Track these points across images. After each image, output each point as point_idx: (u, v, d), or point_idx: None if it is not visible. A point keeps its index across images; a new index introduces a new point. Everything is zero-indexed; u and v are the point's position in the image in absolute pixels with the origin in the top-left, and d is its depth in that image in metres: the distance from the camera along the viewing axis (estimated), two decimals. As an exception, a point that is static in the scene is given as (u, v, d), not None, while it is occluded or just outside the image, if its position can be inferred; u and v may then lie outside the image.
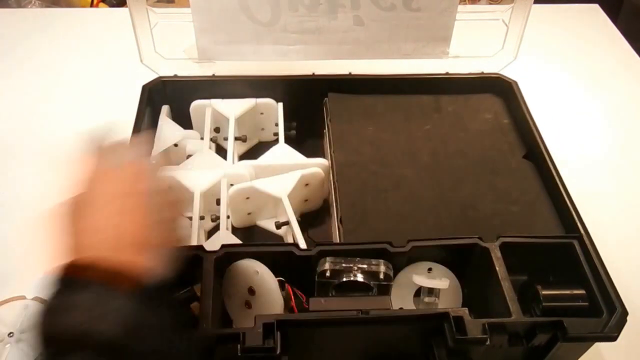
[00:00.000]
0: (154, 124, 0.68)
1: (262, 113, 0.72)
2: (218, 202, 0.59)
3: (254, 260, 0.50)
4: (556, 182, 0.59)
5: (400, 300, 0.54)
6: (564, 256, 0.53)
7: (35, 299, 0.57)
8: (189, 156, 0.65)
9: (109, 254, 0.36)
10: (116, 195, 0.40)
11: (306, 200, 0.65)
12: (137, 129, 0.62)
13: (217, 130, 0.71)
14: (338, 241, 0.56)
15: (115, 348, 0.33)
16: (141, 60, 0.69)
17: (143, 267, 0.37)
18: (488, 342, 0.46)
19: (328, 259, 0.51)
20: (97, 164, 0.43)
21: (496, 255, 0.51)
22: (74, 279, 0.35)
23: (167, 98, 0.71)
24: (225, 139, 0.68)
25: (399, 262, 0.52)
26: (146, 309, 0.35)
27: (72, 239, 0.39)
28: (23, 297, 0.58)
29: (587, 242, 0.53)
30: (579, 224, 0.55)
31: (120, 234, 0.38)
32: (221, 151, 0.67)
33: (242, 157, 0.70)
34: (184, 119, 0.71)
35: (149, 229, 0.39)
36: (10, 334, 0.54)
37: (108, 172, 0.42)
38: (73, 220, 0.40)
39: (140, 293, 0.35)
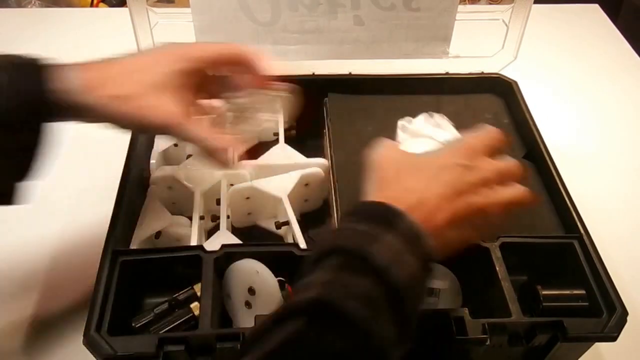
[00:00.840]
0: (154, 124, 0.68)
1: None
2: (218, 202, 0.59)
3: (254, 260, 0.50)
4: (556, 182, 0.59)
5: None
6: (564, 256, 0.53)
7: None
8: (189, 156, 0.65)
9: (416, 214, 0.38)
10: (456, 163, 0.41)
11: (306, 200, 0.65)
12: (137, 129, 0.62)
13: (217, 130, 0.71)
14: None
15: (397, 297, 0.35)
16: (141, 60, 0.69)
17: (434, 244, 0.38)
18: (488, 342, 0.46)
19: (328, 259, 0.51)
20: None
21: (496, 255, 0.51)
22: (381, 218, 0.38)
23: (167, 98, 0.71)
24: (225, 139, 0.68)
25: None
26: (424, 278, 0.38)
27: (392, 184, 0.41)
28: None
29: (587, 242, 0.53)
30: (579, 224, 0.55)
31: (421, 205, 0.39)
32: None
33: (242, 157, 0.70)
34: (184, 119, 0.71)
35: (458, 215, 0.40)
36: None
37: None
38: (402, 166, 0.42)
39: (424, 262, 0.38)
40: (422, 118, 0.61)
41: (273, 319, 0.35)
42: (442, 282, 0.53)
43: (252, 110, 0.54)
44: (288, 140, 0.67)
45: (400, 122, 0.59)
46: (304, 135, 0.71)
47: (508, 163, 0.44)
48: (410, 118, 0.60)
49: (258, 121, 0.53)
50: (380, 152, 0.44)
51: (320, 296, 0.34)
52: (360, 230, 0.37)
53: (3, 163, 0.42)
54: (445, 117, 0.61)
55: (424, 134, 0.58)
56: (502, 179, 0.43)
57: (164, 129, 0.46)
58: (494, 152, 0.44)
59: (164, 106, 0.45)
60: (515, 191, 0.43)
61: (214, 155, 0.49)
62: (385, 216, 0.38)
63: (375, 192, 0.42)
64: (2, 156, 0.41)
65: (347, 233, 0.38)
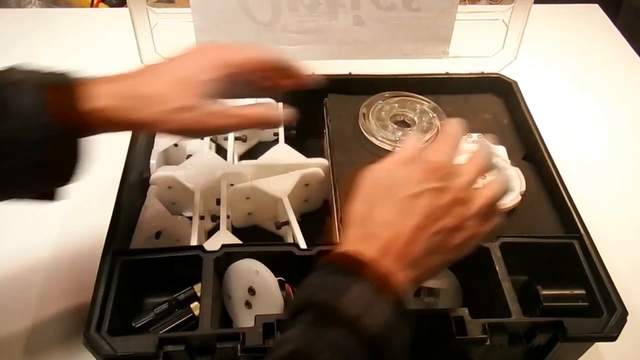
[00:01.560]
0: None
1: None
2: (218, 202, 0.59)
3: (254, 260, 0.50)
4: (556, 182, 0.59)
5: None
6: (564, 256, 0.53)
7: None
8: (189, 156, 0.65)
9: (379, 256, 0.38)
10: (421, 188, 0.40)
11: (306, 200, 0.65)
12: (137, 129, 0.62)
13: (217, 130, 0.71)
14: (338, 241, 0.56)
15: (372, 346, 0.35)
16: (141, 60, 0.69)
17: (404, 284, 0.38)
18: (488, 342, 0.46)
19: (328, 259, 0.51)
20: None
21: (496, 255, 0.51)
22: (349, 270, 0.38)
23: (167, 98, 0.71)
24: (225, 139, 0.68)
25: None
26: (400, 323, 0.37)
27: (358, 216, 0.41)
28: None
29: (587, 242, 0.53)
30: (579, 224, 0.55)
31: (396, 240, 0.39)
32: (221, 151, 0.67)
33: (242, 157, 0.70)
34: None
35: (430, 248, 0.39)
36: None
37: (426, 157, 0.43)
38: (366, 194, 0.42)
39: (398, 306, 0.37)
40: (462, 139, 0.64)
41: None
42: (442, 282, 0.53)
43: None
44: (288, 140, 0.68)
45: None
46: (304, 135, 0.72)
47: (476, 169, 0.43)
48: None
49: None
50: (358, 183, 0.43)
51: (297, 349, 0.35)
52: (331, 283, 0.37)
53: (45, 172, 0.43)
54: (481, 135, 0.64)
55: (464, 150, 0.61)
56: (473, 189, 0.43)
57: (223, 130, 0.50)
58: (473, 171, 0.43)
59: (218, 111, 0.47)
60: (487, 194, 0.42)
61: (268, 121, 0.51)
62: (354, 266, 0.38)
63: (350, 230, 0.41)
64: (44, 168, 0.42)
65: (318, 287, 0.38)
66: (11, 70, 0.43)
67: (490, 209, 0.42)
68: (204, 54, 0.48)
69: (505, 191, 0.44)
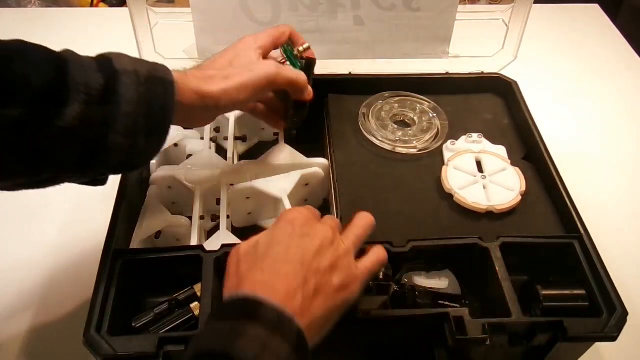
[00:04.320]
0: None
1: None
2: (218, 202, 0.59)
3: (254, 260, 0.50)
4: (556, 182, 0.59)
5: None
6: (564, 256, 0.53)
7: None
8: (189, 156, 0.65)
9: (277, 301, 0.38)
10: (306, 253, 0.42)
11: (306, 200, 0.65)
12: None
13: (217, 130, 0.71)
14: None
15: None
16: (141, 60, 0.69)
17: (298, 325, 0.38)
18: (488, 342, 0.46)
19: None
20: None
21: (496, 255, 0.51)
22: (248, 312, 0.37)
23: (167, 98, 0.71)
24: (226, 138, 0.68)
25: (399, 262, 0.52)
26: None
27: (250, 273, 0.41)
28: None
29: (587, 242, 0.53)
30: (579, 224, 0.55)
31: (289, 293, 0.39)
32: (221, 151, 0.67)
33: (242, 157, 0.70)
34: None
35: (315, 298, 0.40)
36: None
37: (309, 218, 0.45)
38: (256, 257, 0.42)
39: (300, 345, 0.37)
40: (463, 139, 0.65)
41: None
42: (442, 282, 0.53)
43: None
44: (288, 140, 0.67)
45: (444, 145, 0.64)
46: (304, 135, 0.71)
47: (335, 222, 0.46)
48: (454, 140, 0.64)
49: None
50: (230, 261, 0.44)
51: None
52: (224, 329, 0.37)
53: (112, 160, 0.44)
54: (482, 135, 0.65)
55: (465, 149, 0.63)
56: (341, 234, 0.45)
57: (271, 78, 0.53)
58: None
59: (263, 64, 0.54)
60: (356, 231, 0.46)
61: (303, 91, 0.56)
62: (246, 308, 0.38)
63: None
64: (114, 155, 0.43)
65: (211, 335, 0.37)
66: (119, 57, 0.45)
67: (361, 247, 0.45)
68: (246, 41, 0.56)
69: (366, 227, 0.47)
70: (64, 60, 0.42)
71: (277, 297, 0.38)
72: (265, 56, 0.56)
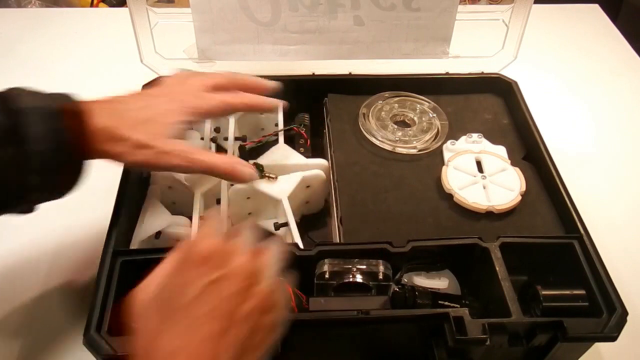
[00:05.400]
0: (154, 124, 0.68)
1: (262, 113, 0.72)
2: (218, 202, 0.59)
3: (254, 260, 0.50)
4: (556, 182, 0.59)
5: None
6: (564, 256, 0.53)
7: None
8: (189, 156, 0.65)
9: None
10: (212, 307, 0.35)
11: (307, 202, 0.65)
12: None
13: (217, 130, 0.71)
14: (338, 241, 0.56)
15: None
16: (141, 60, 0.69)
17: None
18: (488, 342, 0.46)
19: (327, 260, 0.51)
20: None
21: (496, 255, 0.51)
22: None
23: (167, 98, 0.71)
24: (226, 138, 0.68)
25: (399, 262, 0.52)
26: None
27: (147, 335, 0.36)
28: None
29: (587, 242, 0.53)
30: (579, 224, 0.55)
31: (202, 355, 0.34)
32: (221, 151, 0.67)
33: (242, 157, 0.70)
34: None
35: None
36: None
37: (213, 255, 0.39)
38: (153, 313, 0.37)
39: None
40: (463, 139, 0.65)
41: None
42: (442, 282, 0.53)
43: None
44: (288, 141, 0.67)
45: (444, 145, 0.64)
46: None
47: (245, 244, 0.41)
48: (454, 140, 0.64)
49: None
50: (129, 312, 0.38)
51: None
52: None
53: (49, 192, 0.47)
54: (482, 135, 0.65)
55: (465, 150, 0.63)
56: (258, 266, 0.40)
57: (175, 170, 0.52)
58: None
59: (176, 149, 0.49)
60: (270, 261, 0.40)
61: (234, 177, 0.53)
62: None
63: None
64: (44, 188, 0.46)
65: None
66: (19, 95, 0.45)
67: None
68: (176, 96, 0.52)
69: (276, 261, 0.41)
70: None
71: None
72: (186, 127, 0.51)
